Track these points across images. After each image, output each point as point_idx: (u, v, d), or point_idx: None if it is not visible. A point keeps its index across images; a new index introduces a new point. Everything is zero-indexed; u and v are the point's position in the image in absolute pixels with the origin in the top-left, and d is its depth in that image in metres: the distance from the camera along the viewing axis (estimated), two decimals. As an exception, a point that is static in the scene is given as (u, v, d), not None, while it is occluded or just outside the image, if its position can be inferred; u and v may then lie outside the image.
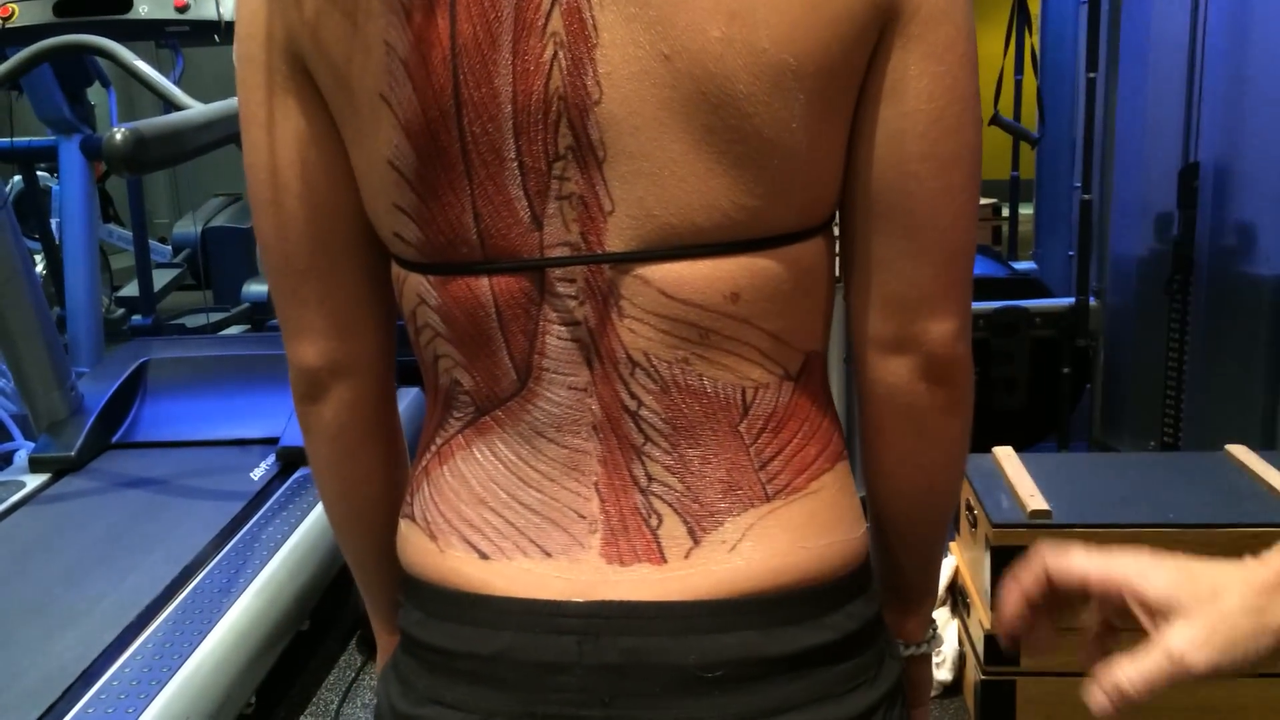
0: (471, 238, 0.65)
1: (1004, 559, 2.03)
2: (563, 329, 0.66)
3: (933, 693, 2.25)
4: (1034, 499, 2.06)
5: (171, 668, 1.90)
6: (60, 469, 2.68)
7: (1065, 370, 3.08)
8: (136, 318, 4.23)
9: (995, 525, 2.03)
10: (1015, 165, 4.34)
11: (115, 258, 5.28)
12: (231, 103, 2.09)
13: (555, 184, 0.63)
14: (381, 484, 0.80)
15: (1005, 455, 2.31)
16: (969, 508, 2.24)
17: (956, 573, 2.34)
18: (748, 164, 0.61)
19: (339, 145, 0.68)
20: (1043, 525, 2.00)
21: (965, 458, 0.75)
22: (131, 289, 4.63)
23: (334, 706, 2.29)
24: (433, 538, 0.71)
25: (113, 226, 5.38)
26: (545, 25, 0.60)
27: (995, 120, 3.45)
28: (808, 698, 0.66)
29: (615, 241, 0.63)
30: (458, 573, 0.69)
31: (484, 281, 0.66)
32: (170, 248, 5.33)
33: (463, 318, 0.67)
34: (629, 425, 0.66)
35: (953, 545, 2.42)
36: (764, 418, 0.67)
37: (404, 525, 0.75)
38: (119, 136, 1.62)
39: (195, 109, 1.94)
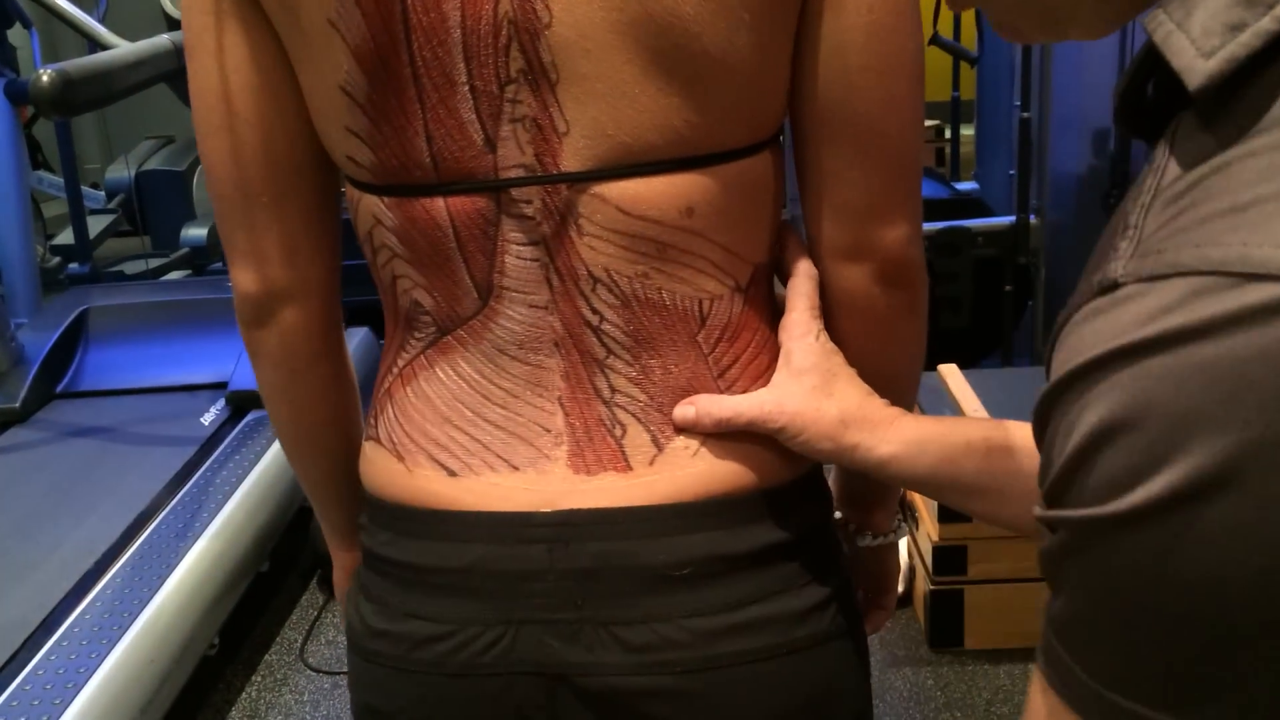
0: (425, 160, 0.66)
1: (950, 473, 2.08)
2: (522, 248, 0.67)
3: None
4: (978, 414, 2.11)
5: (132, 613, 1.91)
6: (4, 421, 2.65)
7: (1008, 288, 3.13)
8: (73, 266, 4.13)
9: (941, 440, 2.08)
10: (956, 85, 4.36)
11: (47, 205, 5.13)
12: (160, 40, 2.04)
13: (508, 107, 0.64)
14: (331, 406, 0.81)
15: (950, 372, 2.36)
16: (916, 424, 2.29)
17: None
18: (698, 83, 0.63)
19: (288, 69, 0.68)
20: (987, 438, 2.06)
21: (923, 354, 0.78)
22: (65, 237, 4.52)
23: (298, 645, 2.31)
24: (400, 458, 0.72)
25: (42, 173, 5.23)
26: None
27: (934, 40, 3.45)
28: (768, 590, 0.69)
29: (571, 161, 0.65)
30: (427, 491, 0.71)
31: (440, 203, 0.67)
32: (104, 193, 5.19)
33: (420, 239, 0.68)
34: (591, 340, 0.68)
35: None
36: (720, 328, 0.70)
37: (368, 447, 0.76)
38: (45, 78, 1.58)
39: (122, 48, 1.89)
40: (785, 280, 0.74)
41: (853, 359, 0.73)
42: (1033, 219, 3.14)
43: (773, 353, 0.72)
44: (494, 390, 0.70)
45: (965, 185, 4.06)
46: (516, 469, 0.70)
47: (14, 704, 1.69)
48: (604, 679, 0.68)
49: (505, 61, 0.63)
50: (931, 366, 2.50)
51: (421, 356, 0.72)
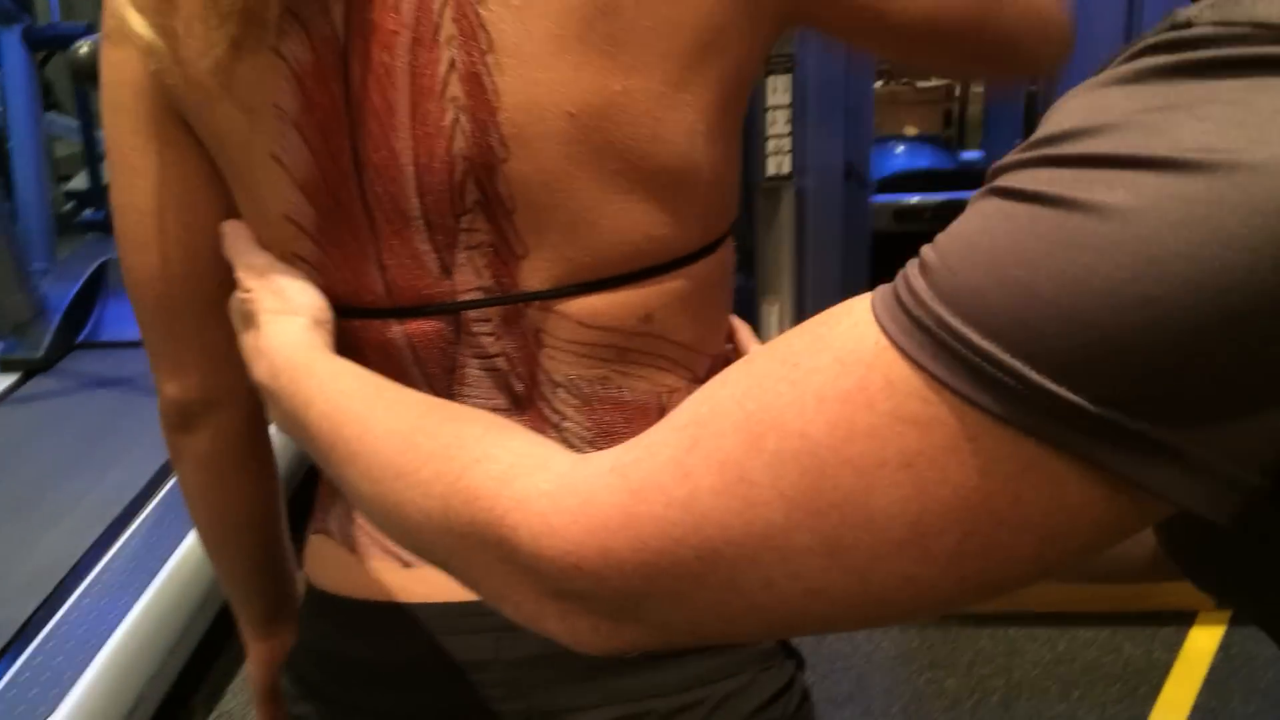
0: (377, 287, 0.65)
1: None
2: (482, 361, 0.67)
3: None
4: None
5: (162, 556, 2.00)
6: (29, 369, 2.73)
7: (1007, 260, 3.19)
8: (88, 212, 4.18)
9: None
10: (965, 54, 4.39)
11: (57, 145, 5.15)
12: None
13: (464, 235, 0.63)
14: (253, 508, 0.81)
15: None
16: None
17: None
18: (655, 199, 0.63)
19: (219, 186, 0.67)
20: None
21: None
22: (79, 182, 4.56)
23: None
24: (352, 549, 0.72)
25: (54, 115, 5.25)
26: (443, 90, 0.60)
27: (945, 13, 3.49)
28: (725, 672, 0.69)
29: (529, 281, 0.64)
30: (378, 583, 0.71)
31: (395, 326, 0.66)
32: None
33: (376, 357, 0.67)
34: (552, 436, 0.68)
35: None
36: None
37: (316, 541, 0.76)
38: (84, 49, 1.64)
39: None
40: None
41: None
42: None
43: None
44: None
45: (971, 154, 4.10)
46: None
47: (50, 645, 1.79)
48: None
49: (460, 195, 0.62)
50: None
51: None
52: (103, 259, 3.02)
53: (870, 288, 0.41)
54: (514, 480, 0.45)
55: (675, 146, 0.62)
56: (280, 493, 0.82)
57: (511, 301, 0.65)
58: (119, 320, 2.92)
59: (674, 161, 0.62)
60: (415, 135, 0.60)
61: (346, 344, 0.67)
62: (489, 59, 0.59)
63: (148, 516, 2.13)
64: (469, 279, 0.64)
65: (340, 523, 0.73)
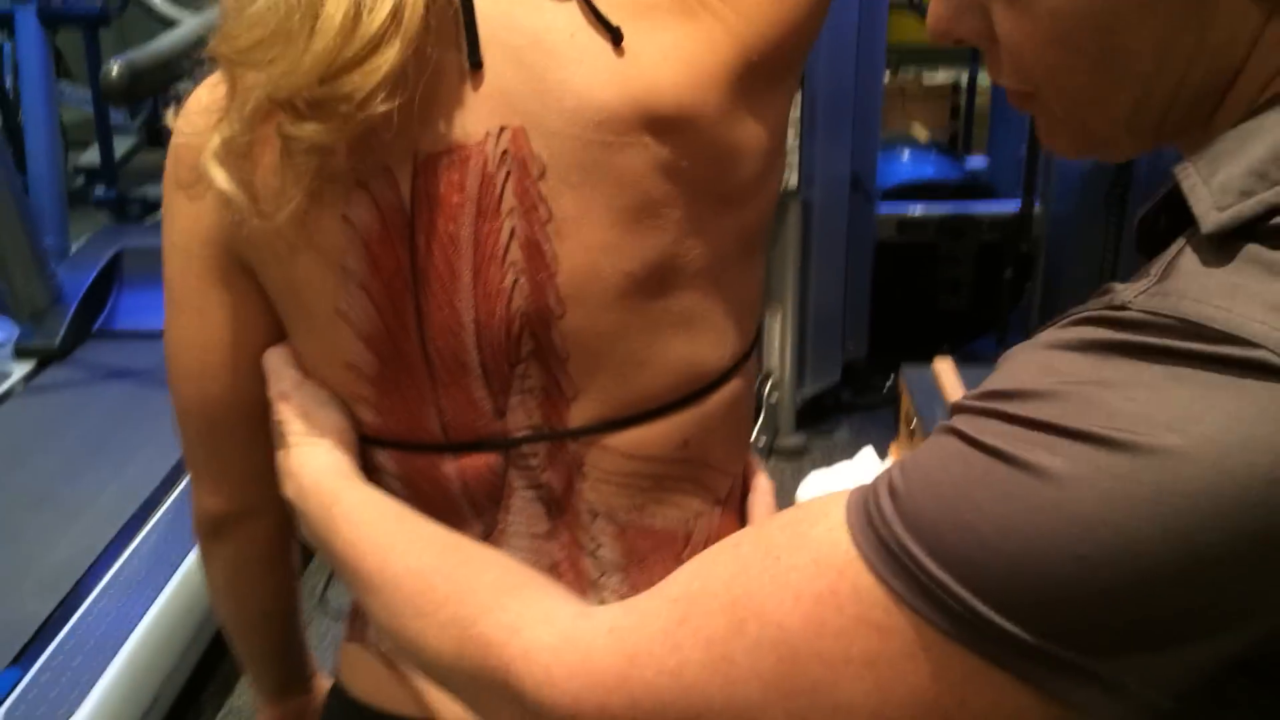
0: (434, 428, 0.68)
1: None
2: (528, 492, 0.70)
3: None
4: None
5: (179, 553, 2.05)
6: (44, 358, 2.77)
7: (1007, 273, 3.24)
8: (99, 190, 4.20)
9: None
10: (973, 59, 4.41)
11: (66, 113, 5.15)
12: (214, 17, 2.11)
13: (518, 381, 0.66)
14: (275, 603, 0.85)
15: (944, 369, 2.48)
16: (909, 419, 2.43)
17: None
18: (697, 327, 0.67)
19: (272, 325, 0.70)
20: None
21: None
22: (89, 155, 4.58)
23: (319, 590, 2.46)
24: (388, 662, 0.75)
25: (64, 85, 5.25)
26: (505, 255, 0.63)
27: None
28: None
29: (578, 419, 0.67)
30: (414, 699, 0.73)
31: (449, 461, 0.69)
32: (126, 110, 5.23)
33: (426, 486, 0.70)
34: (587, 563, 0.71)
35: (893, 448, 2.62)
36: (702, 545, 0.72)
37: (353, 650, 0.78)
38: (114, 71, 1.68)
39: (183, 29, 1.97)
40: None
41: None
42: (1037, 206, 3.24)
43: None
44: None
45: (976, 160, 4.14)
46: None
47: (69, 645, 1.84)
48: None
49: (517, 347, 0.65)
50: (932, 344, 2.62)
51: None
52: (118, 247, 3.05)
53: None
54: (521, 631, 0.51)
55: (721, 273, 0.66)
56: (299, 585, 0.87)
57: (562, 438, 0.68)
58: (134, 309, 2.96)
59: (716, 289, 0.66)
60: (476, 296, 0.64)
61: (399, 473, 0.71)
62: (549, 228, 0.62)
63: (165, 512, 2.18)
64: (520, 419, 0.68)
65: (379, 635, 0.76)
